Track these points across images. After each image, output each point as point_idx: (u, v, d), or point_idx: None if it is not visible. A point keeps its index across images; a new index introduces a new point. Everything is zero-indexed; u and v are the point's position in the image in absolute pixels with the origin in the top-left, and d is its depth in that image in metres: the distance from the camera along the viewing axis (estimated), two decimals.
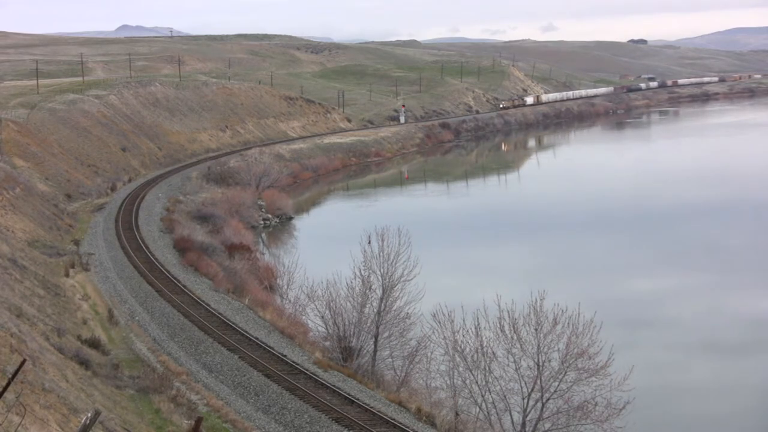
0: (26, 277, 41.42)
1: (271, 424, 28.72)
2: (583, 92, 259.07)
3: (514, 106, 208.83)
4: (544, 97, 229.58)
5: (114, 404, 26.30)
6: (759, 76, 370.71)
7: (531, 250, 71.48)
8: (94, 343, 33.94)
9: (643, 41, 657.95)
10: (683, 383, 41.14)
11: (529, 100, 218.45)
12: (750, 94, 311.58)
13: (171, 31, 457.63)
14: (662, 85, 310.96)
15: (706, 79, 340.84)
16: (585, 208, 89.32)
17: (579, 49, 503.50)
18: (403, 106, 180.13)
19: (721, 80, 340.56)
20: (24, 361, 13.01)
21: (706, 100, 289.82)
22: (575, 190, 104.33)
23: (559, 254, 68.71)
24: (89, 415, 12.29)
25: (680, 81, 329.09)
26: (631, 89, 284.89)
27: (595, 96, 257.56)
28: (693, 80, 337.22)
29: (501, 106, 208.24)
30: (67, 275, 47.22)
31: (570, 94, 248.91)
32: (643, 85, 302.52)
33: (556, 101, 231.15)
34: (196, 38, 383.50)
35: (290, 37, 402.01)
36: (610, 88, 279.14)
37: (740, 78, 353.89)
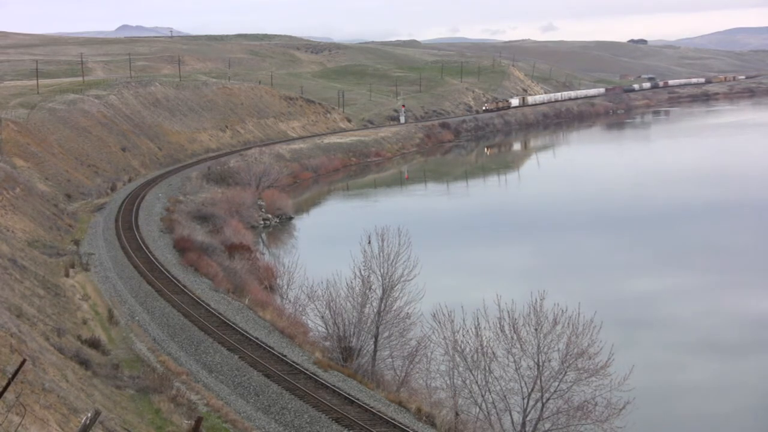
0: (26, 277, 41.42)
1: (271, 424, 28.72)
2: (572, 93, 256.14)
3: (498, 109, 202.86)
4: (531, 99, 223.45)
5: (114, 404, 26.31)
6: (743, 77, 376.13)
7: (531, 250, 71.46)
8: (94, 343, 33.96)
9: (643, 41, 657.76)
10: (683, 383, 41.16)
11: (514, 102, 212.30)
12: (750, 94, 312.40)
13: (171, 31, 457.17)
14: (654, 86, 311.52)
15: (693, 80, 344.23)
16: (585, 208, 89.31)
17: (579, 49, 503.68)
18: (403, 106, 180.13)
19: (708, 81, 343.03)
20: (24, 361, 13.01)
21: (706, 100, 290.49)
22: (575, 190, 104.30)
23: (559, 254, 68.70)
24: (89, 415, 12.30)
25: (670, 82, 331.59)
26: (625, 90, 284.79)
27: (586, 97, 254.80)
28: (682, 81, 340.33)
29: (483, 108, 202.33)
30: (67, 275, 47.23)
31: (559, 95, 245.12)
32: (636, 86, 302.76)
33: (543, 103, 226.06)
34: (196, 38, 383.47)
35: (290, 37, 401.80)
36: (602, 89, 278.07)
37: (725, 79, 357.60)
